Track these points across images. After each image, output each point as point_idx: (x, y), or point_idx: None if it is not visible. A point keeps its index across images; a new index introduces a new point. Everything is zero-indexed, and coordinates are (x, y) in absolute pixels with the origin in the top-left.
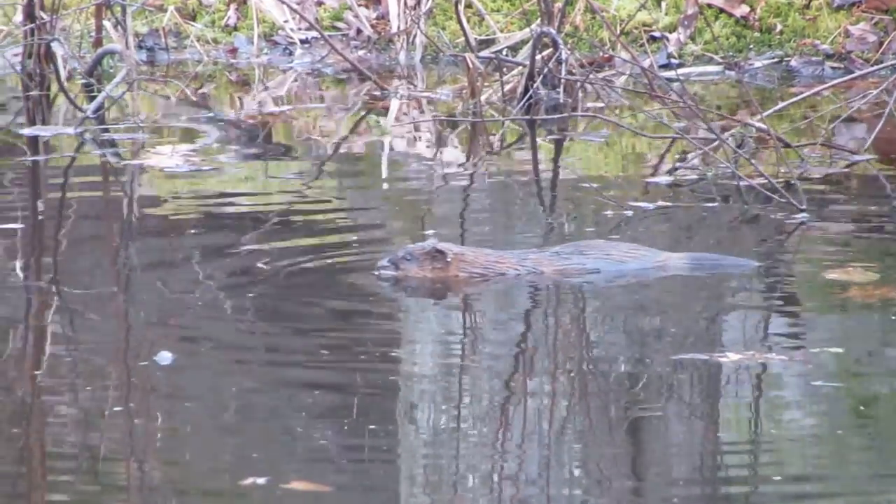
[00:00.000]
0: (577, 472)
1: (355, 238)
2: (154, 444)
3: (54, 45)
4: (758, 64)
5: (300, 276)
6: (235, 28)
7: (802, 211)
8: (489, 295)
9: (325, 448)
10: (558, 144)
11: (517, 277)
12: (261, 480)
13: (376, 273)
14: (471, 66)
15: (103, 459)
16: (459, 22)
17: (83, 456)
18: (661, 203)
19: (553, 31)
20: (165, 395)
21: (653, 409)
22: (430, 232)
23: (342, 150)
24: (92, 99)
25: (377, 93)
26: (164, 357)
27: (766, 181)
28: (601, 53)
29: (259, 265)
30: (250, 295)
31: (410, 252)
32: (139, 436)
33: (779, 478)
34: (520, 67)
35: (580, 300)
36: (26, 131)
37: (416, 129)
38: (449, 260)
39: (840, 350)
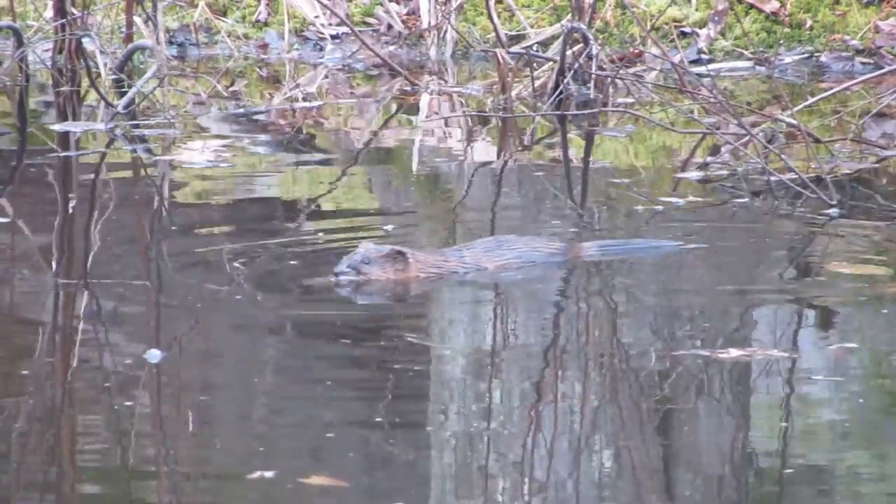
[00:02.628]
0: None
1: (385, 233)
2: (167, 438)
3: (86, 41)
4: (788, 59)
5: (326, 270)
6: (266, 23)
7: (833, 206)
8: (510, 289)
9: (346, 443)
10: (588, 140)
11: (465, 275)
12: (269, 474)
13: (334, 279)
14: (501, 61)
15: (117, 453)
16: (490, 17)
17: (106, 456)
18: (691, 198)
19: (583, 27)
20: (177, 389)
21: (638, 404)
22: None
23: (372, 146)
24: (122, 95)
25: (408, 88)
26: (154, 354)
27: (796, 176)
28: (631, 49)
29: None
30: (273, 288)
31: (367, 256)
32: (153, 430)
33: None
34: (550, 63)
35: (587, 292)
36: (57, 127)
37: (447, 124)
38: (410, 261)
39: (851, 346)
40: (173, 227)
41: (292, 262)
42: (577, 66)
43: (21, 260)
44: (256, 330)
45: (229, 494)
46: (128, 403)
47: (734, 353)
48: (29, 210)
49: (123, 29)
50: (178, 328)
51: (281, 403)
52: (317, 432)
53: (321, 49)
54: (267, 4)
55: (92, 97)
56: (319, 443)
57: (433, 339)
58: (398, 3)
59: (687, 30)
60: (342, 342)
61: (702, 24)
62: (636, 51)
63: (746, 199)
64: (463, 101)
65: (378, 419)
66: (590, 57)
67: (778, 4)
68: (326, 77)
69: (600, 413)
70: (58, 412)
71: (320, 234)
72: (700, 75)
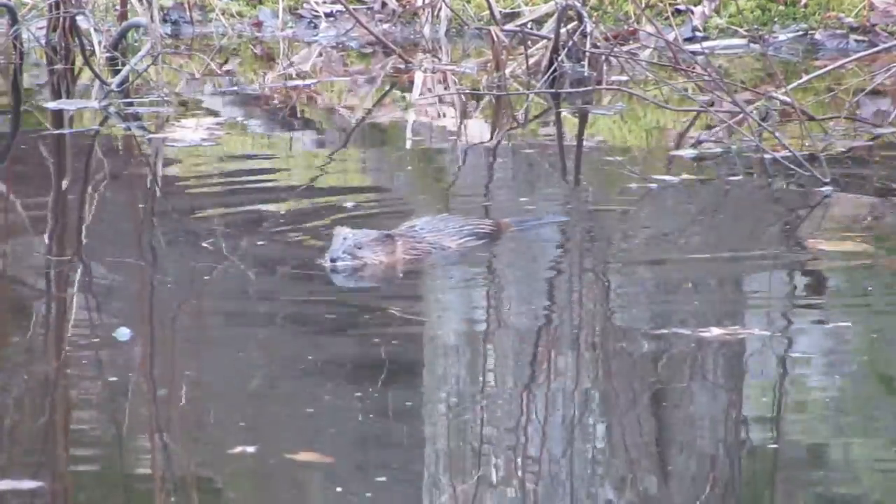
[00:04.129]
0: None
1: (378, 211)
2: (155, 415)
3: (80, 19)
4: (782, 37)
5: (318, 247)
6: (260, 1)
7: (826, 184)
8: (503, 272)
9: (339, 421)
10: (582, 118)
11: (431, 255)
12: (250, 449)
13: (330, 265)
14: (495, 39)
15: (112, 429)
16: None
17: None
18: (685, 176)
19: (578, 4)
20: (164, 366)
21: (618, 383)
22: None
23: (366, 124)
24: (116, 73)
25: (402, 66)
26: (123, 333)
27: (790, 154)
28: (626, 26)
29: (260, 241)
30: (265, 267)
31: (360, 242)
32: (143, 407)
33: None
34: (544, 41)
35: (578, 269)
36: (51, 105)
37: (441, 102)
38: (398, 243)
39: (844, 324)
40: (165, 205)
41: (282, 240)
42: (571, 43)
43: (13, 237)
44: (245, 307)
45: (216, 470)
46: (112, 379)
47: (716, 331)
48: (22, 187)
49: (117, 7)
50: (165, 305)
51: (271, 380)
52: (307, 409)
53: (315, 27)
54: None
55: (86, 75)
56: (309, 419)
57: (426, 316)
58: None
59: (681, 7)
60: (332, 320)
61: (696, 1)
62: (630, 28)
63: (740, 177)
64: (457, 79)
65: (370, 396)
66: (584, 34)
67: None
68: (320, 55)
69: (592, 391)
70: (37, 388)
71: (310, 211)
72: (694, 53)
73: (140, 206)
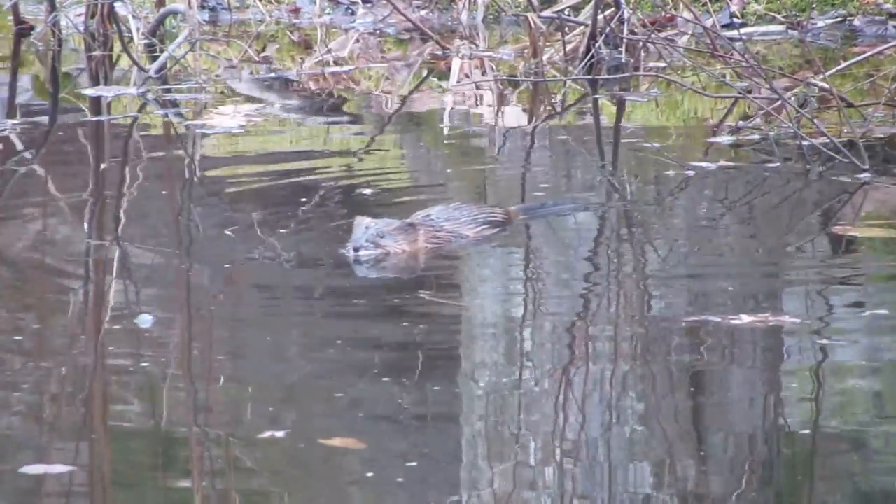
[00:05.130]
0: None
1: (415, 198)
2: (190, 401)
3: (118, 6)
4: (821, 23)
5: (341, 235)
6: None
7: (864, 170)
8: (540, 255)
9: (378, 407)
10: (620, 104)
11: (451, 243)
12: (280, 434)
13: (352, 255)
14: (533, 25)
15: (144, 414)
16: None
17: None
18: (722, 163)
19: None
20: (199, 351)
21: (637, 370)
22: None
23: (403, 110)
24: (154, 59)
25: (439, 53)
26: (145, 319)
27: (828, 141)
28: (663, 13)
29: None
30: (295, 254)
31: (381, 230)
32: (176, 392)
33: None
34: (582, 27)
35: (615, 255)
36: (89, 91)
37: (478, 88)
38: (420, 232)
39: (863, 312)
40: (200, 191)
41: (314, 227)
42: (608, 30)
43: (52, 222)
44: (274, 295)
45: (252, 455)
46: (143, 365)
47: (751, 318)
48: (60, 173)
49: None
50: (196, 291)
51: (307, 366)
52: (338, 394)
53: (353, 13)
54: None
55: (124, 62)
56: (342, 404)
57: (462, 300)
58: None
59: None
60: (362, 305)
61: None
62: (668, 15)
63: (778, 164)
64: (494, 66)
65: (404, 380)
66: (621, 21)
67: None
68: (358, 41)
69: (629, 375)
70: (65, 373)
71: (342, 198)
72: (732, 39)
73: (165, 192)
